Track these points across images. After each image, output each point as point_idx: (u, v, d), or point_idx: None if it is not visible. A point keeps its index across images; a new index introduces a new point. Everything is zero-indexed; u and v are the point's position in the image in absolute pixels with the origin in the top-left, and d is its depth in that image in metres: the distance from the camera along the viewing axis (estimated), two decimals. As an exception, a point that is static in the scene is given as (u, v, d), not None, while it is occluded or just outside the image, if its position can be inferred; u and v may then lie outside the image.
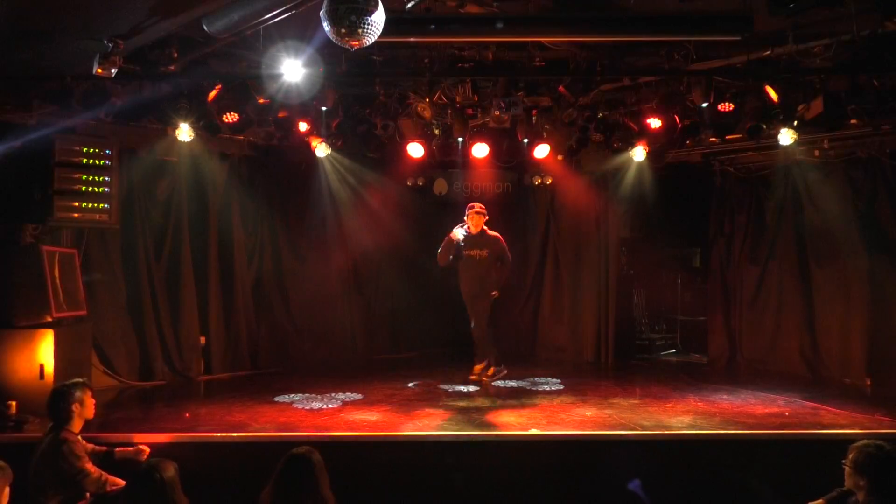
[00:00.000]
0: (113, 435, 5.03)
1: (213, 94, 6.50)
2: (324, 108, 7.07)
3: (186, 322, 7.84)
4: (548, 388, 7.19)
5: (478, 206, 7.53)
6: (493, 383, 7.40)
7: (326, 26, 3.59)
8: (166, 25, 4.90)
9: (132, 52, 5.26)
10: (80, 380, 4.51)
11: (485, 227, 7.52)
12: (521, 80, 6.65)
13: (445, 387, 7.23)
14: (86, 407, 4.35)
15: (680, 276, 10.51)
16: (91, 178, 6.50)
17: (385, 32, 3.73)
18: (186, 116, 6.52)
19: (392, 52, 6.33)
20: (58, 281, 6.16)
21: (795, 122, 6.54)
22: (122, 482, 4.17)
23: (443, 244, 7.57)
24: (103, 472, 4.19)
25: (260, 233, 8.56)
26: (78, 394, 4.32)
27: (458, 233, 7.51)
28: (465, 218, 7.52)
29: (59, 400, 4.28)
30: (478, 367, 7.55)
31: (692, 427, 5.51)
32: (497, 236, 7.58)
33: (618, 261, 9.40)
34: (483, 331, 7.53)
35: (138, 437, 5.05)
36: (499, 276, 7.60)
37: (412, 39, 5.59)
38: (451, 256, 7.52)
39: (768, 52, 5.72)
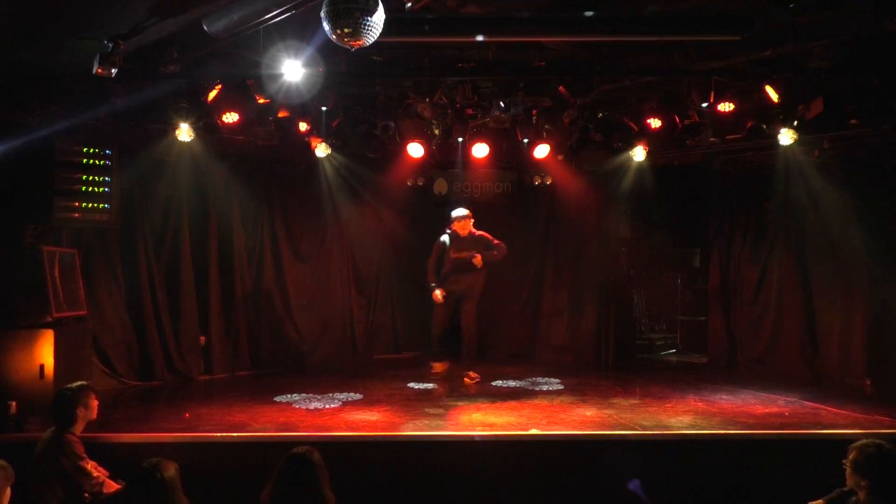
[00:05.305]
0: (112, 435, 5.03)
1: (213, 94, 6.50)
2: (324, 108, 7.07)
3: (186, 322, 7.85)
4: (548, 388, 7.19)
5: (462, 212, 7.43)
6: (491, 383, 7.39)
7: (326, 26, 3.59)
8: (166, 25, 4.90)
9: (132, 52, 5.26)
10: (85, 382, 4.54)
11: (472, 230, 7.47)
12: (521, 80, 6.65)
13: (445, 387, 7.22)
14: (89, 409, 4.40)
15: (680, 276, 10.52)
16: (91, 178, 6.49)
17: (385, 32, 3.73)
18: (186, 116, 6.52)
19: (392, 52, 6.32)
20: (58, 281, 6.16)
21: (795, 122, 6.53)
22: (116, 486, 4.20)
23: (430, 262, 7.55)
24: (102, 474, 4.22)
25: (260, 233, 8.56)
26: (83, 397, 4.36)
27: (444, 238, 7.49)
28: (452, 225, 7.46)
29: (63, 403, 4.32)
30: (473, 373, 7.47)
31: (692, 427, 5.51)
32: (483, 234, 7.51)
33: (618, 261, 9.40)
34: (474, 333, 7.49)
35: (138, 437, 5.07)
36: (491, 255, 7.41)
37: (412, 39, 5.59)
38: (437, 267, 7.48)
39: (768, 52, 5.72)
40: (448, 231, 7.53)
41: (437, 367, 7.51)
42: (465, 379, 7.40)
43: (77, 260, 6.68)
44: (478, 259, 7.32)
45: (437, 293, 7.43)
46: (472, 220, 7.47)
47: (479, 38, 5.33)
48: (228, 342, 8.23)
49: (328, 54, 5.79)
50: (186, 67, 5.83)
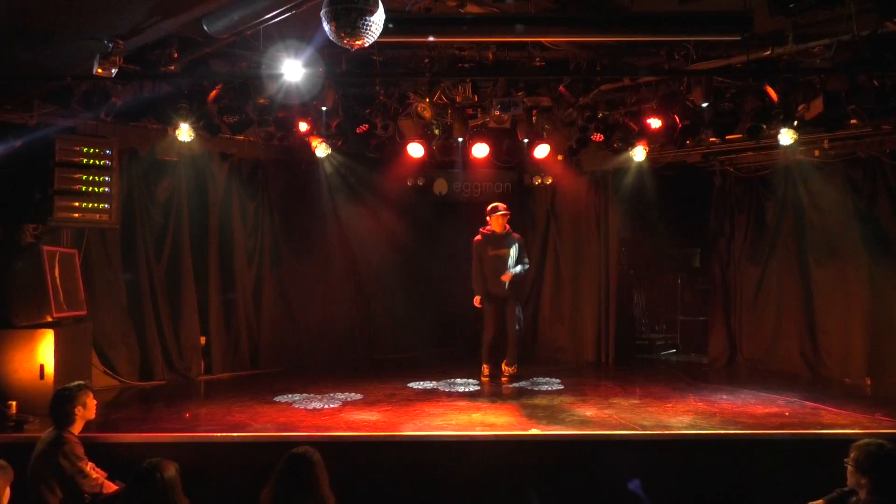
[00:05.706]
0: (112, 435, 5.03)
1: (213, 94, 6.50)
2: (324, 108, 7.07)
3: (186, 322, 7.84)
4: (548, 388, 7.18)
5: (501, 207, 7.49)
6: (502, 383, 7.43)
7: (326, 26, 3.59)
8: (166, 25, 4.89)
9: (132, 52, 5.26)
10: (82, 382, 4.55)
11: (508, 227, 7.52)
12: (521, 80, 6.65)
13: (445, 387, 7.23)
14: (88, 409, 4.40)
15: (680, 276, 10.51)
16: (91, 178, 6.49)
17: (385, 32, 3.73)
18: (186, 116, 6.53)
19: (392, 52, 6.33)
20: (58, 281, 6.16)
21: (795, 122, 6.53)
22: (115, 487, 4.20)
23: (473, 267, 7.54)
24: (101, 475, 4.22)
25: (260, 233, 8.56)
26: (81, 396, 4.37)
27: (480, 238, 7.51)
28: (487, 220, 7.50)
29: (62, 402, 4.32)
30: (510, 369, 7.53)
31: (692, 427, 5.50)
32: (520, 237, 7.61)
33: (618, 261, 9.40)
34: (517, 331, 7.52)
35: (138, 437, 5.07)
36: (519, 276, 7.57)
37: (412, 39, 5.59)
38: (480, 269, 7.50)
39: (768, 52, 5.72)
40: (483, 231, 7.54)
41: (486, 369, 7.61)
42: (503, 378, 7.46)
43: (77, 260, 6.68)
44: (506, 277, 7.39)
45: (476, 299, 7.48)
46: (509, 216, 7.50)
47: (479, 37, 5.34)
48: (228, 342, 8.22)
49: (328, 54, 5.80)
50: (186, 67, 5.83)
